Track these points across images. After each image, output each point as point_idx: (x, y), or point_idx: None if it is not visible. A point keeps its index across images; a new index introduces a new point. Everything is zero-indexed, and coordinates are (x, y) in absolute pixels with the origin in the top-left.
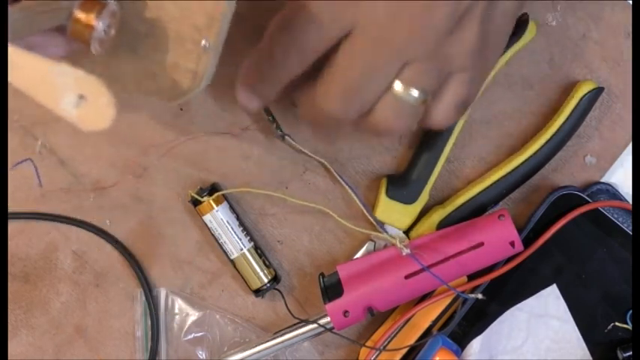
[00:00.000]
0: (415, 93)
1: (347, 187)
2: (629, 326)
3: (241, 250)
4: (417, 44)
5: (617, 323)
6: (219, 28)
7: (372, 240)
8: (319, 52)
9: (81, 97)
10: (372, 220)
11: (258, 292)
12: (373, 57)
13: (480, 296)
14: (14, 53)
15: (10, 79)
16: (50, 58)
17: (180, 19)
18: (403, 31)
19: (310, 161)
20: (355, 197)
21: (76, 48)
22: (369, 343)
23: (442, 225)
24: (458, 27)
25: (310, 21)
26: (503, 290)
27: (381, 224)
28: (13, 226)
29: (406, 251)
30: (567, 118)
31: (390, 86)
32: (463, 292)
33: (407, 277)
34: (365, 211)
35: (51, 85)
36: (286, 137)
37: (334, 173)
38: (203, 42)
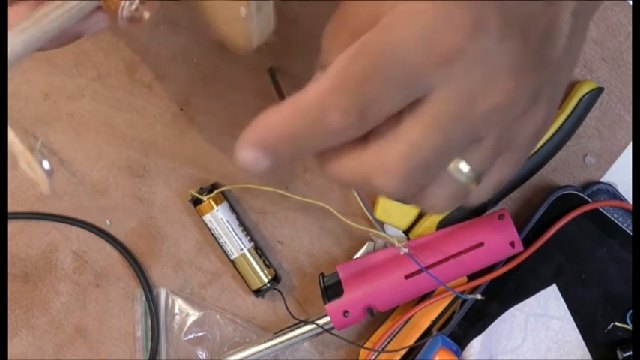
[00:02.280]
0: (472, 173)
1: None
2: (629, 326)
3: (241, 250)
4: (494, 121)
5: (617, 323)
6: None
7: (372, 240)
8: (387, 116)
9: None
10: (371, 218)
11: (258, 292)
12: (453, 130)
13: (478, 296)
14: None
15: None
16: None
17: None
18: (485, 104)
19: (310, 161)
20: (356, 194)
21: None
22: (368, 343)
23: (442, 225)
24: (532, 107)
25: (388, 80)
26: (503, 290)
27: (380, 224)
28: (13, 226)
29: (404, 250)
30: (567, 118)
31: (451, 166)
32: (463, 292)
33: (407, 277)
34: (364, 209)
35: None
36: None
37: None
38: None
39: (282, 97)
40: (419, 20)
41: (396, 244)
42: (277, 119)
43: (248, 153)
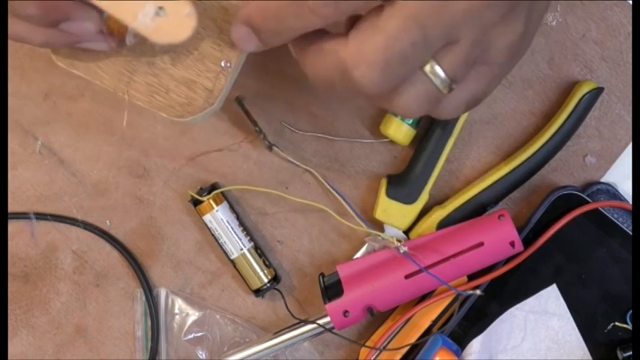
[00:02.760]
0: (446, 78)
1: (336, 194)
2: (629, 326)
3: (241, 250)
4: (471, 23)
5: (617, 323)
6: (239, 57)
7: (370, 243)
8: (364, 7)
9: (160, 9)
10: (360, 222)
11: (258, 292)
12: (430, 24)
13: (478, 292)
14: None
15: None
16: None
17: (205, 37)
18: (463, 4)
19: (310, 162)
20: (346, 204)
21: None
22: (369, 343)
23: (442, 225)
24: (509, 16)
25: None
26: (503, 290)
27: (377, 228)
28: (13, 226)
29: (403, 249)
30: (567, 118)
31: (426, 66)
32: (462, 291)
33: (407, 277)
34: (354, 215)
35: None
36: (274, 148)
37: (324, 182)
38: (223, 62)
39: (254, 123)
40: None
41: (395, 243)
42: (254, 5)
43: (240, 29)
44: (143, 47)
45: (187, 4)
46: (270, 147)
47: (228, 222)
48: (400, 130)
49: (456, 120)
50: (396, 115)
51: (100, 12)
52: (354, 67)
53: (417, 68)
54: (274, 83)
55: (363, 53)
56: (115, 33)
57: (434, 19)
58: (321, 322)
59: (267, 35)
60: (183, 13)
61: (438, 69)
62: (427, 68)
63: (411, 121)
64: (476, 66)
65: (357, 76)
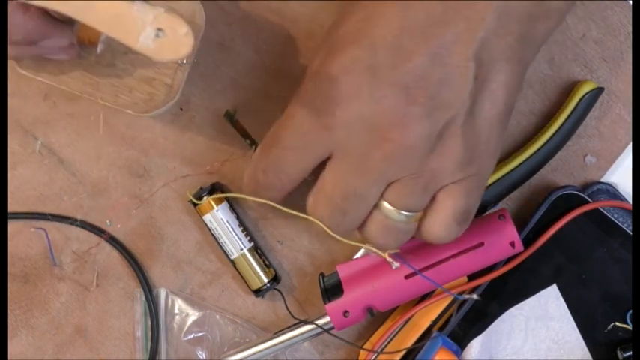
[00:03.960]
0: (403, 212)
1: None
2: (629, 326)
3: (241, 250)
4: (396, 167)
5: (617, 323)
6: (197, 42)
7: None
8: (301, 175)
9: (159, 30)
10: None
11: (258, 292)
12: (354, 181)
13: (474, 297)
14: None
15: (88, 20)
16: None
17: None
18: (379, 155)
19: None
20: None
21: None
22: (368, 344)
23: None
24: (438, 144)
25: (286, 147)
26: (503, 290)
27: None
28: (13, 226)
29: (395, 265)
30: (567, 118)
31: (379, 205)
32: (463, 292)
33: (407, 277)
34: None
35: (130, 23)
36: None
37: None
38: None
39: (246, 136)
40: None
41: (387, 258)
42: (245, 177)
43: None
44: (105, 52)
45: (184, 24)
46: None
47: (228, 222)
48: None
49: None
50: None
51: (73, 26)
52: (311, 212)
53: (368, 210)
54: (274, 83)
55: (312, 202)
56: (86, 42)
57: (356, 175)
58: (320, 322)
59: (266, 194)
60: (181, 32)
61: (386, 205)
62: (383, 207)
63: None
64: (442, 188)
65: (316, 217)
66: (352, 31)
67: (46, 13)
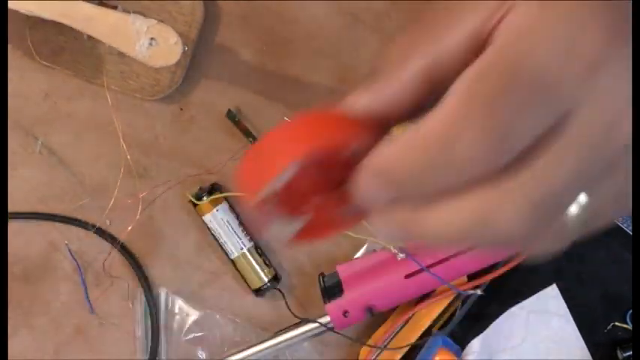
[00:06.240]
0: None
1: None
2: (629, 326)
3: (241, 249)
4: (622, 151)
5: (617, 323)
6: (195, 35)
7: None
8: (528, 140)
9: (152, 39)
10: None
11: (258, 291)
12: (588, 158)
13: (479, 292)
14: (93, 10)
15: (91, 31)
16: None
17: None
18: (626, 129)
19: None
20: None
21: None
22: (369, 343)
23: None
24: None
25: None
26: (503, 290)
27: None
28: (13, 226)
29: (401, 256)
30: None
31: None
32: (463, 291)
33: (407, 276)
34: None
35: (127, 33)
36: None
37: None
38: (184, 47)
39: (249, 134)
40: (556, 21)
41: (392, 249)
42: (393, 155)
43: (369, 182)
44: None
45: (174, 34)
46: None
47: (228, 222)
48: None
49: None
50: None
51: None
52: (495, 216)
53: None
54: (274, 83)
55: (510, 197)
56: None
57: (596, 150)
58: (320, 322)
59: (405, 190)
60: (172, 42)
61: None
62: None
63: None
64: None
65: (498, 225)
66: None
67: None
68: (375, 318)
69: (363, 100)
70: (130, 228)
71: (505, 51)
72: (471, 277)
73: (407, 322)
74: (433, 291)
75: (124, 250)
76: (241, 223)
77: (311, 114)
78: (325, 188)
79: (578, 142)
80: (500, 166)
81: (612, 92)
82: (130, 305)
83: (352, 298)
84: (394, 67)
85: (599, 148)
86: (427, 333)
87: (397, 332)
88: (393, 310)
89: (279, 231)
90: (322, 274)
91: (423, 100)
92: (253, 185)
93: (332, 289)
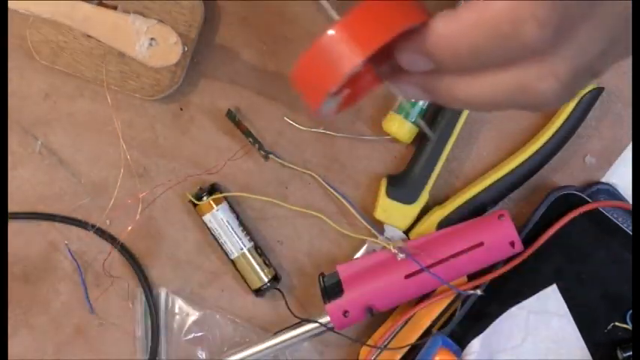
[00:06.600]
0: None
1: (336, 194)
2: (629, 326)
3: (241, 249)
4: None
5: (617, 323)
6: (195, 35)
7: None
8: (585, 19)
9: (152, 39)
10: (367, 225)
11: (258, 291)
12: (619, 30)
13: (479, 292)
14: (93, 10)
15: (92, 32)
16: None
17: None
18: None
19: (310, 161)
20: (348, 205)
21: None
22: (369, 342)
23: (442, 225)
24: None
25: None
26: (503, 290)
27: (377, 227)
28: (13, 226)
29: (401, 256)
30: (567, 118)
31: None
32: (463, 291)
33: (407, 277)
34: (360, 218)
35: (127, 34)
36: (270, 155)
37: (324, 184)
38: (183, 47)
39: (249, 134)
40: None
41: (392, 249)
42: (455, 29)
43: (414, 58)
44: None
45: (174, 34)
46: (266, 156)
47: (228, 222)
48: (403, 128)
49: (456, 119)
50: (399, 112)
51: None
52: (538, 83)
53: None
54: (274, 83)
55: (550, 66)
56: None
57: (615, 25)
58: (321, 322)
59: (450, 65)
60: (171, 41)
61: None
62: None
63: (413, 119)
64: None
65: (541, 90)
66: None
67: None
68: (375, 318)
69: None
70: (129, 228)
71: None
72: (471, 277)
73: (407, 322)
74: (433, 291)
75: (124, 250)
76: (241, 223)
77: (364, 5)
78: (371, 66)
79: (613, 18)
80: (553, 44)
81: None
82: (130, 305)
83: (352, 298)
84: None
85: (627, 20)
86: (427, 333)
87: (397, 332)
88: (393, 310)
89: (327, 108)
90: (322, 274)
91: None
92: (319, 87)
93: (332, 289)
